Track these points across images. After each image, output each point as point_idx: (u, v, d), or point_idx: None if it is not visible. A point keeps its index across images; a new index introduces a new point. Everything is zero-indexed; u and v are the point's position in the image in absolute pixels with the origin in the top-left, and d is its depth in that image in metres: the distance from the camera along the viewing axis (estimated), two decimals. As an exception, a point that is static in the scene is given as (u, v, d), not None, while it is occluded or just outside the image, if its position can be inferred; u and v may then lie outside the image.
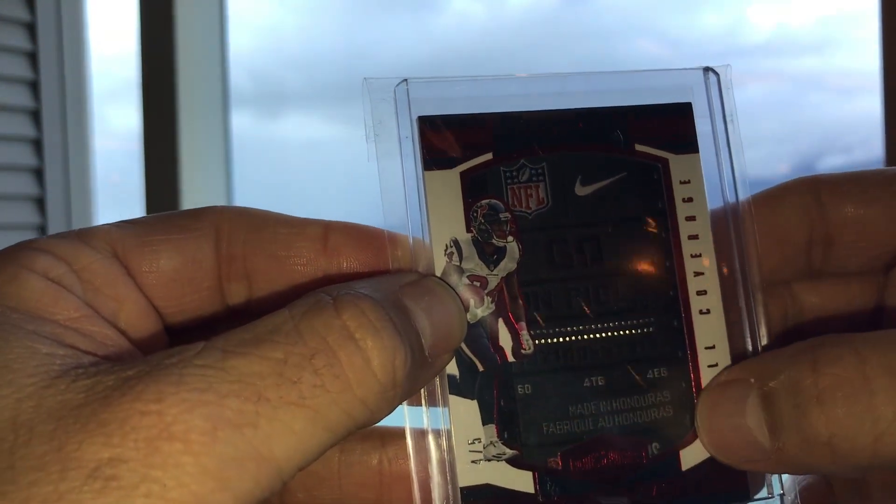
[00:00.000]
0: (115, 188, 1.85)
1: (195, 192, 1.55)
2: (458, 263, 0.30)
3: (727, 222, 0.32)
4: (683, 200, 0.31)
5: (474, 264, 0.30)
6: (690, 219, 0.31)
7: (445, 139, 0.30)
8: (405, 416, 0.29)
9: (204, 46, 1.61)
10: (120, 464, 0.22)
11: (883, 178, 0.32)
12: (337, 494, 0.32)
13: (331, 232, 0.30)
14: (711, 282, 0.31)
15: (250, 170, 1.60)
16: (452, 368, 0.29)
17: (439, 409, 0.29)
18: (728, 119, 0.32)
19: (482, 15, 1.45)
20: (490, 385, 0.29)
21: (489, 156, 0.30)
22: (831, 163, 1.28)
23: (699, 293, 0.31)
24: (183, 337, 0.30)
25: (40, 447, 0.23)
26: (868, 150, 1.17)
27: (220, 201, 1.58)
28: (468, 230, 0.30)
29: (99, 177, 1.75)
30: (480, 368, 0.29)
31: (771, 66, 1.31)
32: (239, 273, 0.30)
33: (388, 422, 0.28)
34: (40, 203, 1.72)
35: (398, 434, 0.32)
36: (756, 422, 0.28)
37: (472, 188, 0.30)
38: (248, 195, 1.58)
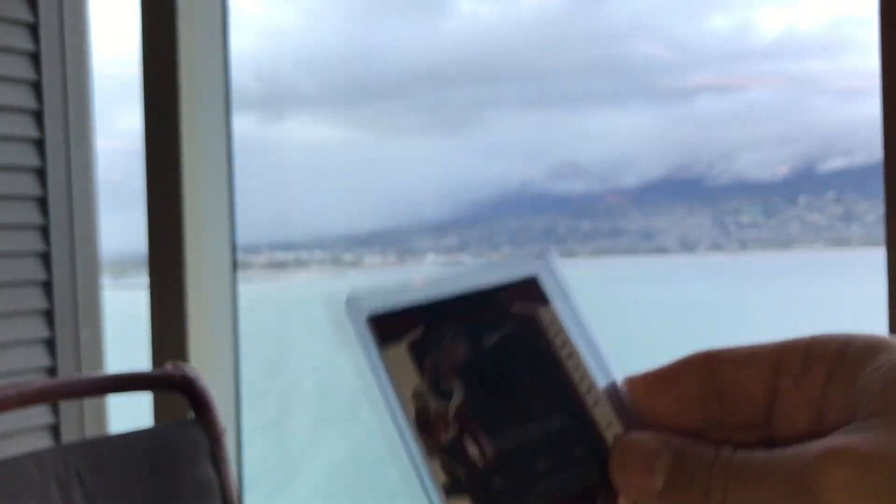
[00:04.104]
0: (117, 188, 1.85)
1: (197, 194, 1.55)
2: (426, 404, 0.41)
3: None
4: (560, 343, 0.45)
5: (436, 403, 0.41)
6: (569, 356, 0.45)
7: (392, 323, 0.42)
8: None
9: (206, 47, 1.61)
10: None
11: (751, 355, 0.44)
12: None
13: None
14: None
15: (252, 171, 1.60)
16: (443, 477, 0.40)
17: None
18: (561, 286, 0.46)
19: (489, 16, 1.46)
20: (474, 483, 0.40)
21: (422, 328, 0.43)
22: (832, 165, 1.28)
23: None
24: None
25: None
26: (869, 154, 1.17)
27: (221, 203, 1.58)
28: (421, 381, 0.41)
29: (101, 177, 1.75)
30: (462, 473, 0.40)
31: (774, 69, 1.31)
32: None
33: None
34: (43, 203, 1.72)
35: None
36: (661, 470, 0.40)
37: (418, 352, 0.42)
38: (249, 197, 1.58)
